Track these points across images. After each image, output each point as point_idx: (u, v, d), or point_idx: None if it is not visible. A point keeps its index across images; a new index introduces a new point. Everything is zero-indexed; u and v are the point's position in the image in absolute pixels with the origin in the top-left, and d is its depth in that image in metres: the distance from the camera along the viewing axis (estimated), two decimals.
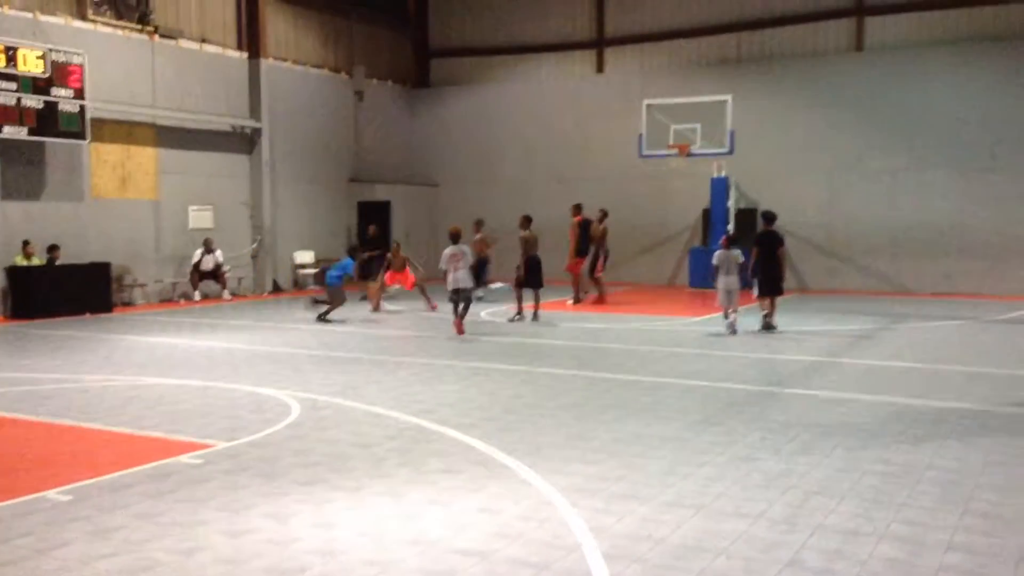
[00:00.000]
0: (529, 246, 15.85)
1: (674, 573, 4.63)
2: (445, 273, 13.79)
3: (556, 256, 23.35)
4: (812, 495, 5.92)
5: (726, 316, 13.91)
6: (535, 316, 15.67)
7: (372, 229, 21.09)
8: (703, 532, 5.22)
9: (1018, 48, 20.12)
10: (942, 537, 5.12)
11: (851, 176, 21.69)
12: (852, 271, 21.75)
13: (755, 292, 14.45)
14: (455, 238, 13.99)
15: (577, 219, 18.66)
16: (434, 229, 25.76)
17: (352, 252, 17.37)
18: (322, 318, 16.04)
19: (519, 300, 15.72)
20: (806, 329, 14.55)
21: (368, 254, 19.37)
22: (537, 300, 15.77)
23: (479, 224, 19.41)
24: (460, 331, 13.66)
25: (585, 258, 18.62)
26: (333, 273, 16.37)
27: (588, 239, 18.51)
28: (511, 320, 15.67)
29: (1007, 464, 6.64)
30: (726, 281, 13.82)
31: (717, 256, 14.08)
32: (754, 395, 9.31)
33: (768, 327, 14.05)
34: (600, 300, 18.47)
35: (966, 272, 20.50)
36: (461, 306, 13.80)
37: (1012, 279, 20.01)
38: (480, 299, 17.68)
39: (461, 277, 13.71)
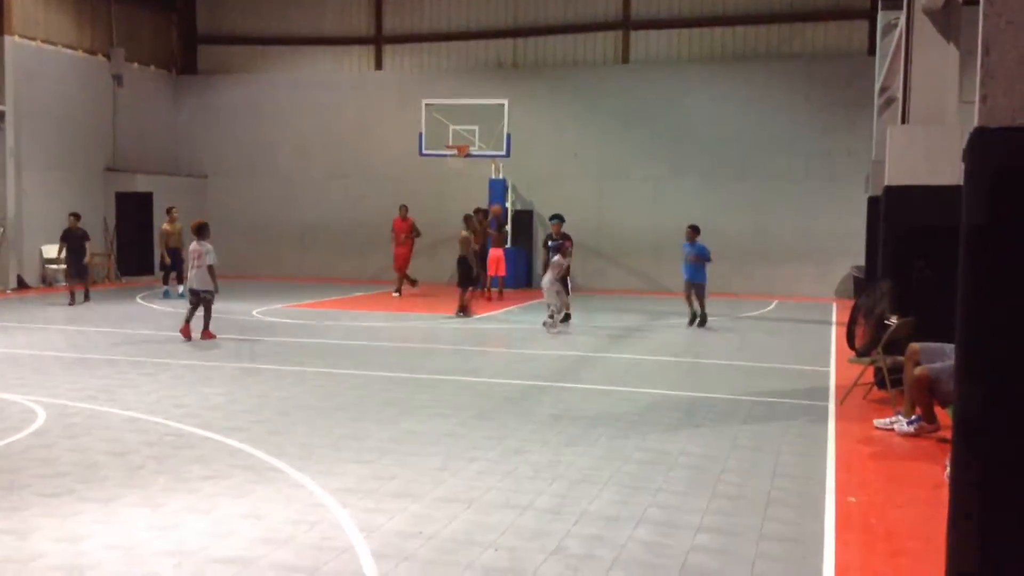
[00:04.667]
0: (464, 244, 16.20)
1: (442, 568, 4.66)
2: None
3: (337, 253, 23.30)
4: (577, 484, 6.15)
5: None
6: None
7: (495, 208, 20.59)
8: (473, 525, 5.29)
9: (767, 66, 21.99)
10: (693, 519, 5.48)
11: (617, 182, 22.83)
12: (619, 271, 22.90)
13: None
14: (199, 233, 12.95)
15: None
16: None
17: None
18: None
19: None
20: (576, 326, 15.15)
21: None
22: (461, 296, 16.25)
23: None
24: (187, 336, 12.68)
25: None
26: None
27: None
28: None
29: (751, 449, 7.22)
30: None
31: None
32: (527, 389, 9.57)
33: (567, 317, 15.20)
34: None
35: (719, 272, 22.02)
36: (189, 309, 12.86)
37: (759, 278, 21.84)
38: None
39: (197, 277, 12.77)
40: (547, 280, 14.39)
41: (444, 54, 24.47)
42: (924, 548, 5.08)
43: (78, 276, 17.67)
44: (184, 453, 6.84)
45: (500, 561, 4.76)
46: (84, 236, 17.76)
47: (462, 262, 16.22)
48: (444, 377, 10.23)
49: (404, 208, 20.59)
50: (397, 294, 20.04)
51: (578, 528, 5.27)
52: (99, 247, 22.79)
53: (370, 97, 24.60)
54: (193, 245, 13.00)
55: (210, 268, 12.78)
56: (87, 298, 17.74)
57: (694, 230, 15.46)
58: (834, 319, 16.65)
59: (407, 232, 20.39)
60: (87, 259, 17.87)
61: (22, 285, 20.66)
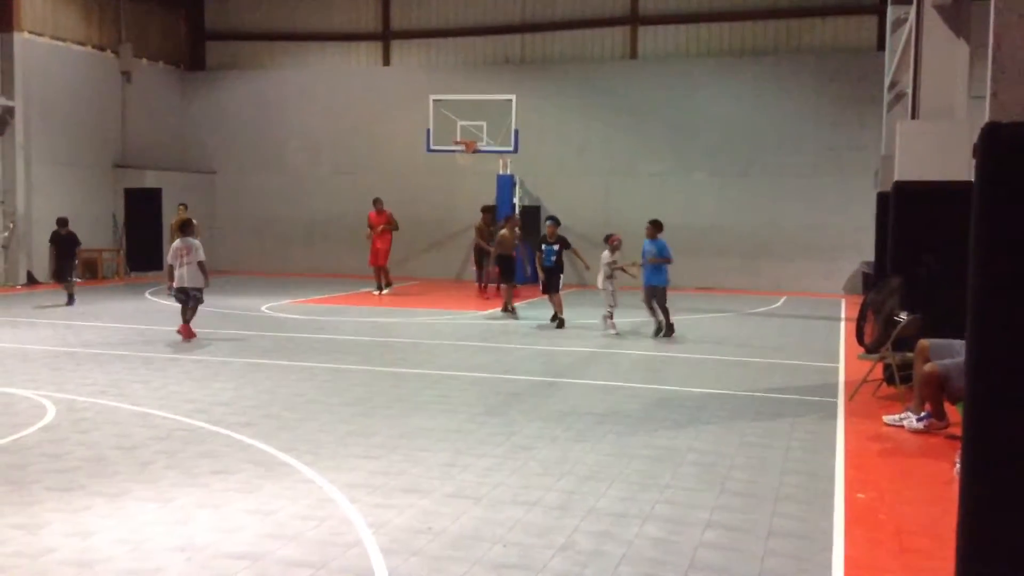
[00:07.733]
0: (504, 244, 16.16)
1: (451, 564, 4.66)
2: (171, 269, 12.57)
3: (345, 249, 23.36)
4: (585, 480, 6.15)
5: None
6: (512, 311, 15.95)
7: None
8: (482, 521, 5.30)
9: (776, 62, 21.92)
10: (702, 516, 5.47)
11: (625, 178, 22.79)
12: None
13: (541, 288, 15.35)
14: (183, 230, 12.82)
15: None
16: (212, 219, 24.60)
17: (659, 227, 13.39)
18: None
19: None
20: (584, 323, 15.14)
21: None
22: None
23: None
24: (187, 336, 12.41)
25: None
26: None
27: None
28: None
29: (759, 445, 7.20)
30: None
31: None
32: (535, 386, 9.56)
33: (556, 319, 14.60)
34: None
35: (725, 269, 22.10)
36: (182, 309, 12.61)
37: (765, 275, 21.79)
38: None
39: (187, 275, 12.50)
40: (600, 279, 14.28)
41: (452, 50, 24.46)
42: (934, 545, 5.06)
43: (60, 278, 16.92)
44: (193, 448, 6.86)
45: (509, 557, 4.76)
46: (74, 241, 17.01)
47: (501, 259, 16.22)
48: (452, 373, 10.24)
49: (379, 201, 19.71)
50: (378, 292, 19.09)
51: (586, 524, 5.27)
52: (108, 243, 22.91)
53: (378, 93, 24.60)
54: (177, 243, 12.65)
55: (200, 264, 12.50)
56: (71, 301, 16.60)
57: (655, 226, 13.30)
58: (843, 315, 16.60)
59: (383, 224, 19.32)
60: (76, 262, 17.30)
61: (32, 281, 20.74)
